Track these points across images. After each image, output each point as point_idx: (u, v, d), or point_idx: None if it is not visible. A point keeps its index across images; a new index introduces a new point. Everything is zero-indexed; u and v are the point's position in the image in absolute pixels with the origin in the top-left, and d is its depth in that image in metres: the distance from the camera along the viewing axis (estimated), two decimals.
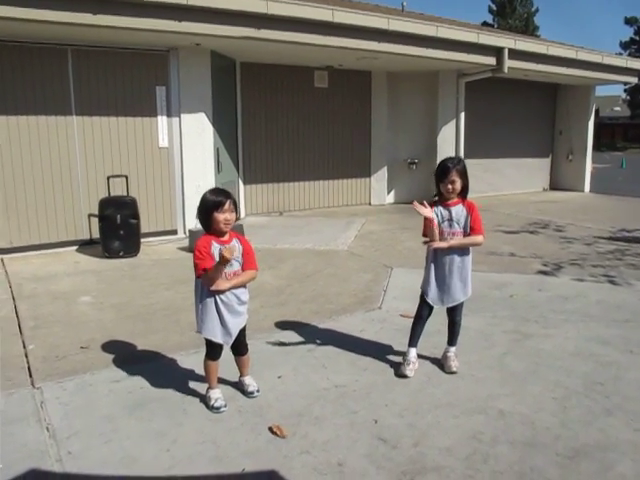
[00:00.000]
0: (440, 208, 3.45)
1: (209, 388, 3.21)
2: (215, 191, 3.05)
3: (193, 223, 7.95)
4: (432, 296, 3.55)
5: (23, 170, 6.92)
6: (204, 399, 3.20)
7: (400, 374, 3.53)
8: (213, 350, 3.16)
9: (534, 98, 13.54)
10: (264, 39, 7.38)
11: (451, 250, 3.45)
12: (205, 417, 3.05)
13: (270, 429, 2.90)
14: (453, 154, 11.07)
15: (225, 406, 3.12)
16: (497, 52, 9.86)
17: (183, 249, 7.28)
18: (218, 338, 3.09)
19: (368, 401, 3.22)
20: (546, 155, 14.36)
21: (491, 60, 9.90)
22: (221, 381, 3.35)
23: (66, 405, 3.18)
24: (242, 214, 9.82)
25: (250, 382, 3.33)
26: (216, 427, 2.94)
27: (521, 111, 13.26)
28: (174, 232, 8.09)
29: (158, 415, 3.07)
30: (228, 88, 9.12)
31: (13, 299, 5.22)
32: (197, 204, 3.07)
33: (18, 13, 5.75)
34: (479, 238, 3.44)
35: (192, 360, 3.78)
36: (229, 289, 3.02)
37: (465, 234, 3.43)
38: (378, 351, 3.94)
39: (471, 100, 11.24)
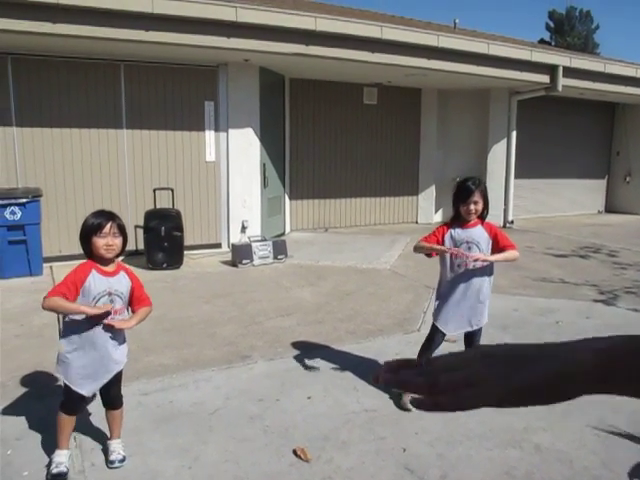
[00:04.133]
0: (458, 230, 3.31)
1: (57, 448, 2.68)
2: (97, 213, 2.64)
3: (237, 237, 8.02)
4: (445, 323, 3.37)
5: (74, 180, 7.15)
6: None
7: (403, 408, 3.32)
8: (70, 401, 2.66)
9: (590, 117, 13.09)
10: (313, 55, 7.41)
11: (469, 273, 3.28)
12: (230, 435, 3.01)
13: (294, 452, 2.83)
14: (504, 173, 10.83)
15: (66, 474, 2.59)
16: (551, 70, 9.60)
17: (226, 263, 7.32)
18: (77, 386, 2.62)
19: (398, 427, 3.11)
20: (602, 176, 13.84)
21: (545, 78, 9.64)
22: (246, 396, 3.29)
23: (94, 416, 3.20)
24: (287, 229, 9.84)
25: (116, 448, 2.76)
26: (240, 447, 2.89)
27: (576, 131, 12.81)
28: (218, 245, 8.16)
29: (184, 431, 3.05)
30: (276, 103, 9.19)
31: None
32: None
33: (75, 30, 5.99)
34: (515, 252, 3.30)
35: (223, 376, 3.77)
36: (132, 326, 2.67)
37: None
38: None
39: (523, 119, 10.97)
